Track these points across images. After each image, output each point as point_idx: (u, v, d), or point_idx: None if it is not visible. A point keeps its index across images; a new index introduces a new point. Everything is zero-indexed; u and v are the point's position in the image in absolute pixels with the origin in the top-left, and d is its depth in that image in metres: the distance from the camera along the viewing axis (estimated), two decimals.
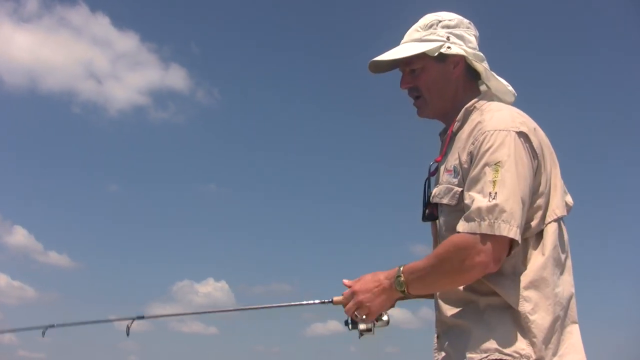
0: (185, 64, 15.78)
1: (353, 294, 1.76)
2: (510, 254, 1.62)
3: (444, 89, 1.85)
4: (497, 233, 1.55)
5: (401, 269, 1.70)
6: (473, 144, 1.67)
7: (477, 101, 1.83)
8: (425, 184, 1.91)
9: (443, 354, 1.76)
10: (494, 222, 1.55)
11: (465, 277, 1.63)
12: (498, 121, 1.67)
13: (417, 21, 1.91)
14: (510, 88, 1.90)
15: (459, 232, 1.61)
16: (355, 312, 1.76)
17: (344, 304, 1.80)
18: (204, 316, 14.80)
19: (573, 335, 1.68)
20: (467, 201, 1.63)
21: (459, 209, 1.68)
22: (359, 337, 1.85)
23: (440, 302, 1.78)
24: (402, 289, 1.69)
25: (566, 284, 1.71)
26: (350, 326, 1.83)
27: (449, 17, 1.88)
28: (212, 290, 14.98)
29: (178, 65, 15.94)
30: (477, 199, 1.59)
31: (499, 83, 1.88)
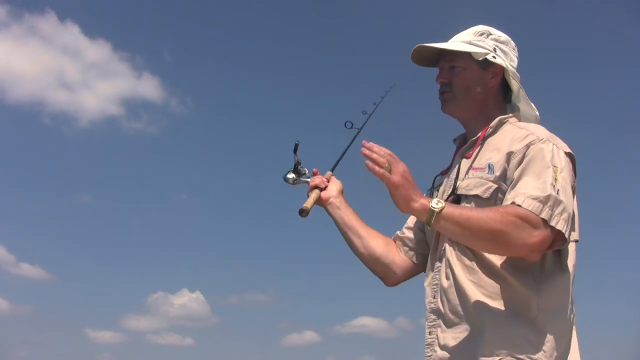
0: (158, 73, 15.73)
1: (397, 171, 1.63)
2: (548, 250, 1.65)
3: (476, 93, 1.92)
4: (554, 225, 1.58)
5: (443, 209, 1.60)
6: (520, 144, 1.73)
7: (512, 117, 1.92)
8: (433, 182, 2.04)
9: (438, 349, 1.74)
10: (556, 215, 1.59)
11: (509, 249, 1.62)
12: (549, 136, 1.76)
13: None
14: (537, 113, 1.96)
15: (517, 205, 1.59)
16: (381, 170, 1.62)
17: (379, 153, 1.66)
18: (179, 327, 14.88)
19: (574, 343, 1.73)
20: (525, 183, 1.65)
21: (491, 203, 1.73)
22: (289, 180, 2.14)
23: (458, 294, 1.74)
24: (427, 219, 1.62)
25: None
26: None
27: (499, 33, 1.98)
28: (187, 301, 14.96)
29: (150, 74, 15.88)
30: (543, 187, 1.61)
31: (528, 106, 1.96)
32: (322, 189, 2.07)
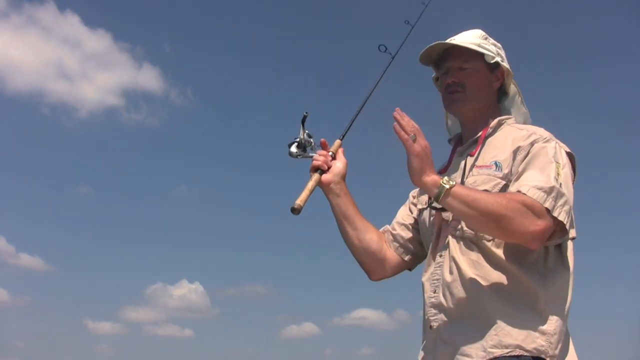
0: (159, 64, 15.57)
1: (420, 143, 1.72)
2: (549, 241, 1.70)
3: (485, 95, 1.96)
4: (556, 215, 1.65)
5: (452, 187, 1.67)
6: (525, 142, 1.79)
7: (510, 118, 1.98)
8: None
9: (441, 343, 1.77)
10: (558, 207, 1.65)
11: (511, 234, 1.66)
12: (551, 136, 1.83)
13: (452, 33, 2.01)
14: (529, 116, 2.03)
15: (523, 193, 1.65)
16: (406, 136, 1.71)
17: (408, 123, 1.73)
18: (179, 318, 14.88)
19: (571, 341, 1.78)
20: (528, 175, 1.71)
21: None
22: (293, 154, 2.03)
23: (464, 288, 1.75)
24: (436, 194, 1.69)
25: None
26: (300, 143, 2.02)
27: (493, 39, 2.02)
28: (186, 292, 14.92)
29: (151, 65, 15.72)
30: (547, 179, 1.68)
31: (518, 111, 2.03)
32: (324, 171, 1.99)
